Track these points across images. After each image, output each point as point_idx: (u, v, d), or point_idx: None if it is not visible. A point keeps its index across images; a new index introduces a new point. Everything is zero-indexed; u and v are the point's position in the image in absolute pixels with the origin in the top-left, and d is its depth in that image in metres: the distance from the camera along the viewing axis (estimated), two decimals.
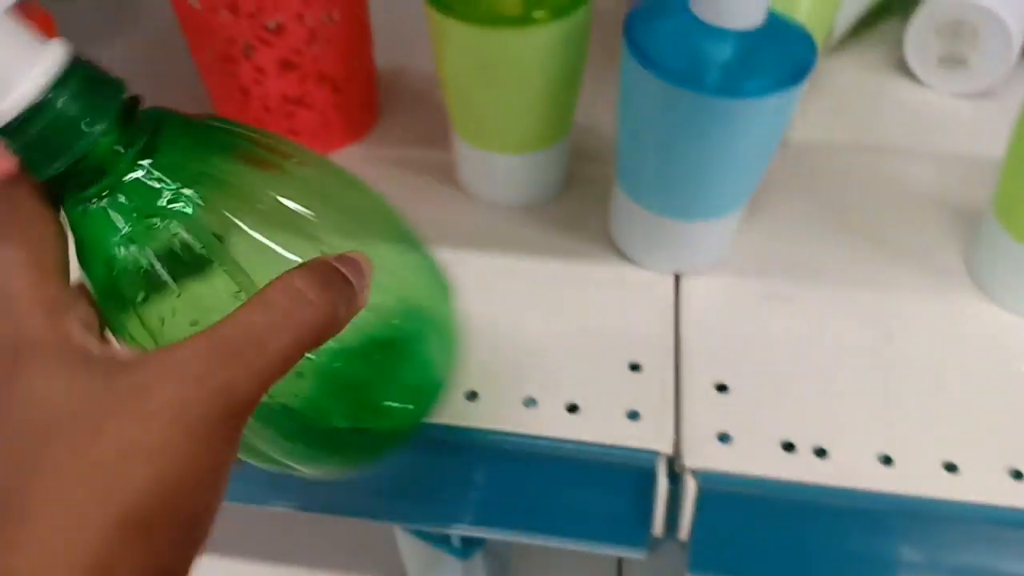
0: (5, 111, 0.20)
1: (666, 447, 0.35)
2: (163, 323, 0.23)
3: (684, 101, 0.35)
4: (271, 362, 0.20)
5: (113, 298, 0.23)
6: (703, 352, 0.39)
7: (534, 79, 0.41)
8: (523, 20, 0.38)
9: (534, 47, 0.40)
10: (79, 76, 0.21)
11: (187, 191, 0.23)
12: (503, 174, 0.46)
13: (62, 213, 0.23)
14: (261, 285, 0.22)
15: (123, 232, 0.22)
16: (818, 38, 0.49)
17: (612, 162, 0.49)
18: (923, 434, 0.36)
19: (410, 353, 0.29)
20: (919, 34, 0.54)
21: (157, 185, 0.23)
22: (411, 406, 0.29)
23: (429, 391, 0.30)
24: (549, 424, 0.36)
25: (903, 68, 0.56)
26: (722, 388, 0.38)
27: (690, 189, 0.39)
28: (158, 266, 0.23)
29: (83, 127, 0.21)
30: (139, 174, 0.22)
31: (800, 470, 0.35)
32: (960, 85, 0.54)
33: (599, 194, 0.47)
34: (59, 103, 0.20)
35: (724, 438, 0.36)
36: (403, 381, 0.29)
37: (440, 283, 0.31)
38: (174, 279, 0.23)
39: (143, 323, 0.23)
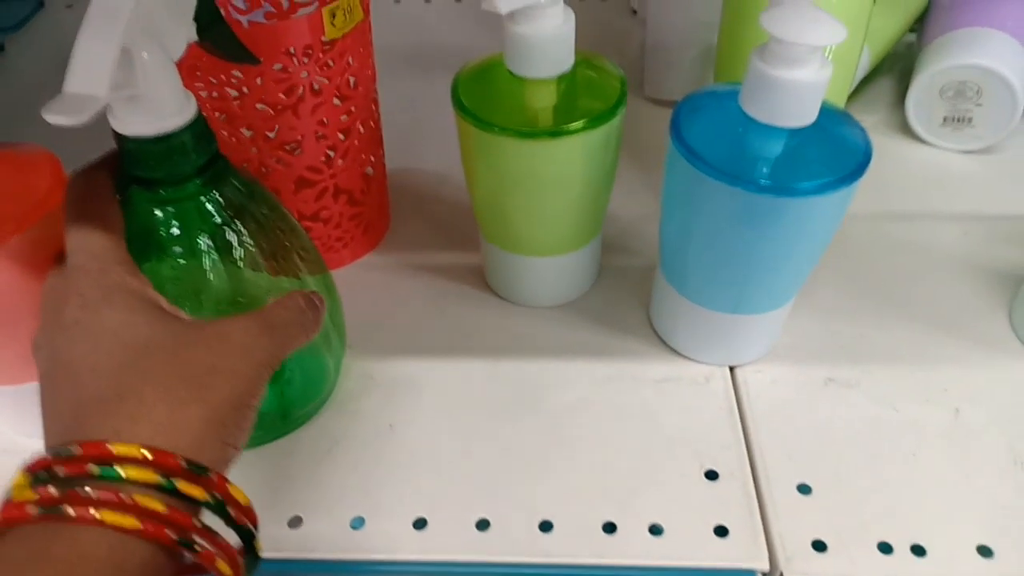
0: (164, 127, 0.29)
1: (762, 564, 0.33)
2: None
3: (735, 199, 0.34)
4: (288, 344, 0.29)
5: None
6: (777, 451, 0.38)
7: (569, 187, 0.40)
8: (557, 132, 0.37)
9: (568, 156, 0.38)
10: (200, 123, 0.30)
11: (231, 223, 0.32)
12: (537, 276, 0.44)
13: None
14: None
15: (176, 234, 0.31)
16: (842, 101, 0.49)
17: (643, 253, 0.48)
18: (1017, 520, 0.35)
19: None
20: (922, 96, 0.55)
21: (211, 209, 0.32)
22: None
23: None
24: (633, 550, 0.34)
25: (905, 128, 0.57)
26: (804, 489, 0.36)
27: (743, 285, 0.38)
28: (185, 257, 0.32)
29: (192, 154, 0.30)
30: (204, 198, 0.31)
31: (902, 572, 0.33)
32: (966, 143, 0.55)
33: (633, 285, 0.46)
34: (186, 135, 0.29)
35: (819, 546, 0.34)
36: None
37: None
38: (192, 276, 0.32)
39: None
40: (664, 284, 0.41)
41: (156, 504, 0.24)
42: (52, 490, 0.23)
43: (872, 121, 0.58)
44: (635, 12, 0.71)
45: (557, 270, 0.44)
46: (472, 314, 0.45)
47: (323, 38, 0.40)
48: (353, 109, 0.44)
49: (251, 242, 0.33)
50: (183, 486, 0.24)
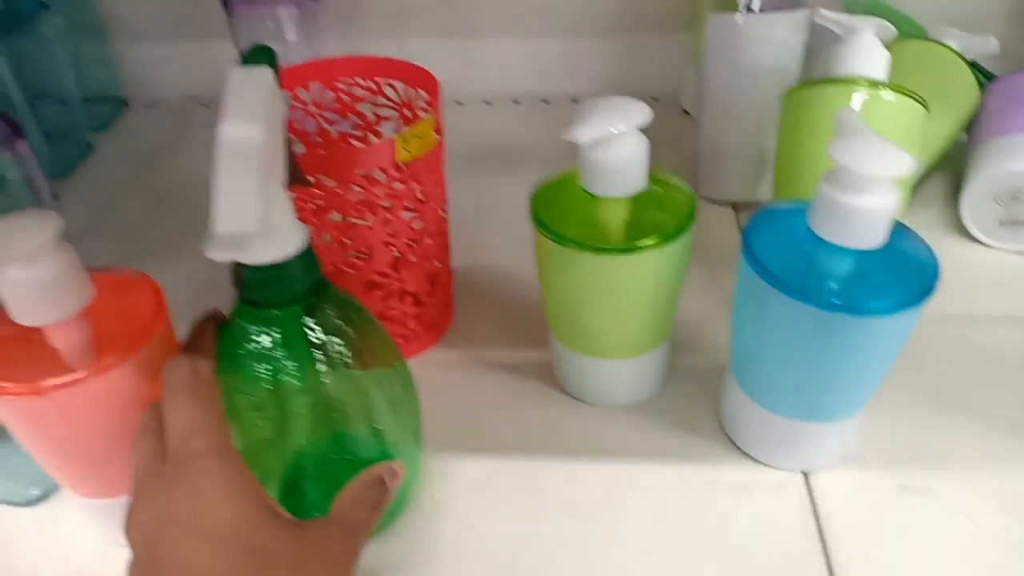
0: (279, 255, 0.31)
1: None
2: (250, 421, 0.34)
3: (806, 316, 0.36)
4: (362, 540, 0.32)
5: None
6: (855, 559, 0.38)
7: (640, 296, 0.42)
8: (630, 248, 0.39)
9: (640, 269, 0.41)
10: (309, 251, 0.32)
11: (329, 340, 0.34)
12: (609, 378, 0.46)
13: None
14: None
15: (278, 350, 0.33)
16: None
17: (710, 353, 0.49)
18: None
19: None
20: (975, 200, 0.56)
21: (312, 327, 0.34)
22: None
23: None
24: None
25: (960, 227, 0.58)
26: None
27: (816, 395, 0.39)
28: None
29: (300, 280, 0.33)
30: (307, 319, 0.34)
31: None
32: (1022, 244, 0.56)
33: (703, 386, 0.47)
34: (297, 263, 0.32)
35: None
36: None
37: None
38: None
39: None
40: (736, 389, 0.42)
41: None
42: None
43: (927, 220, 0.60)
44: (687, 112, 0.74)
45: (629, 372, 0.46)
46: (543, 413, 0.47)
47: (396, 162, 0.42)
48: (422, 221, 0.46)
49: (347, 354, 0.35)
50: None
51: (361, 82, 0.50)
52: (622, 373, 0.45)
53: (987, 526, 0.39)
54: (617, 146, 0.38)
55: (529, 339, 0.51)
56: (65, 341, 0.34)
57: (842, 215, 0.35)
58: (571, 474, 0.43)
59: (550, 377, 0.49)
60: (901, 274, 0.36)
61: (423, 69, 0.47)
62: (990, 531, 0.39)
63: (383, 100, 0.50)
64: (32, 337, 0.34)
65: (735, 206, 0.63)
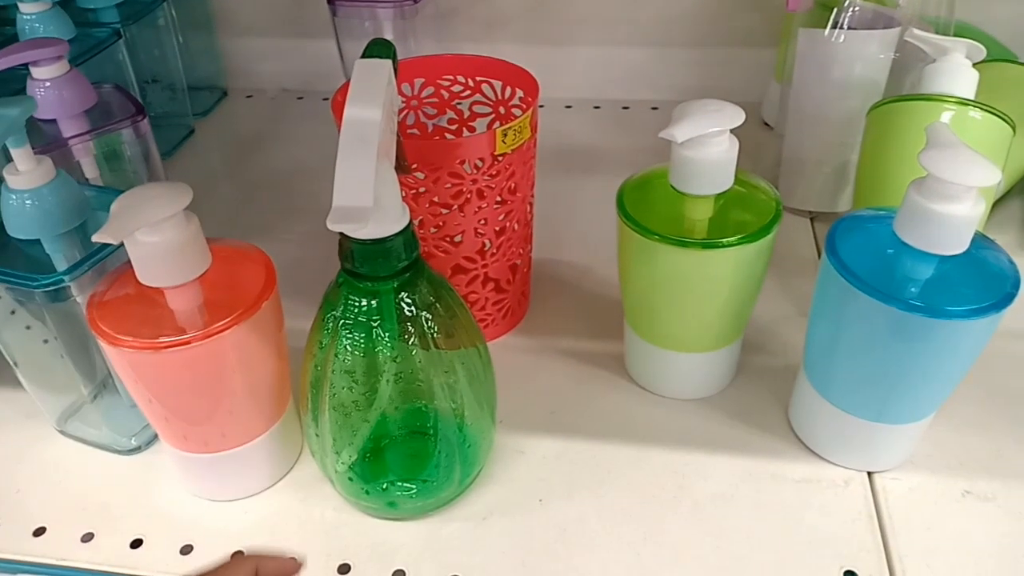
0: (384, 232, 0.34)
1: None
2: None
3: (886, 316, 0.37)
4: None
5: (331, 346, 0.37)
6: (916, 558, 0.39)
7: (718, 293, 0.44)
8: (711, 244, 0.41)
9: (720, 266, 0.42)
10: (410, 231, 0.35)
11: (421, 314, 0.37)
12: (680, 370, 0.48)
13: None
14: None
15: (375, 320, 0.36)
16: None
17: (781, 354, 0.51)
18: None
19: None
20: None
21: (408, 301, 0.36)
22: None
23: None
24: None
25: None
26: None
27: (888, 396, 0.40)
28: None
29: (400, 257, 0.35)
30: (401, 296, 0.36)
31: None
32: None
33: (771, 385, 0.49)
34: (398, 240, 0.34)
35: None
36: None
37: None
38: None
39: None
40: (807, 387, 0.44)
41: None
42: None
43: (1006, 240, 0.60)
44: (767, 125, 0.75)
45: (700, 366, 0.47)
46: (614, 400, 0.49)
47: (494, 153, 0.45)
48: (511, 211, 0.49)
49: (435, 330, 0.37)
50: None
51: (461, 80, 0.53)
52: (694, 366, 0.47)
53: None
54: (710, 146, 0.40)
55: (601, 331, 0.53)
56: (181, 304, 0.37)
57: (929, 221, 0.36)
58: (638, 459, 0.45)
59: (621, 368, 0.51)
60: (982, 282, 0.37)
61: (523, 69, 0.50)
62: None
63: (480, 98, 0.53)
64: (153, 297, 0.37)
65: (812, 217, 0.64)
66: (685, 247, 0.42)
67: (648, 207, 0.44)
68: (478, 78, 0.52)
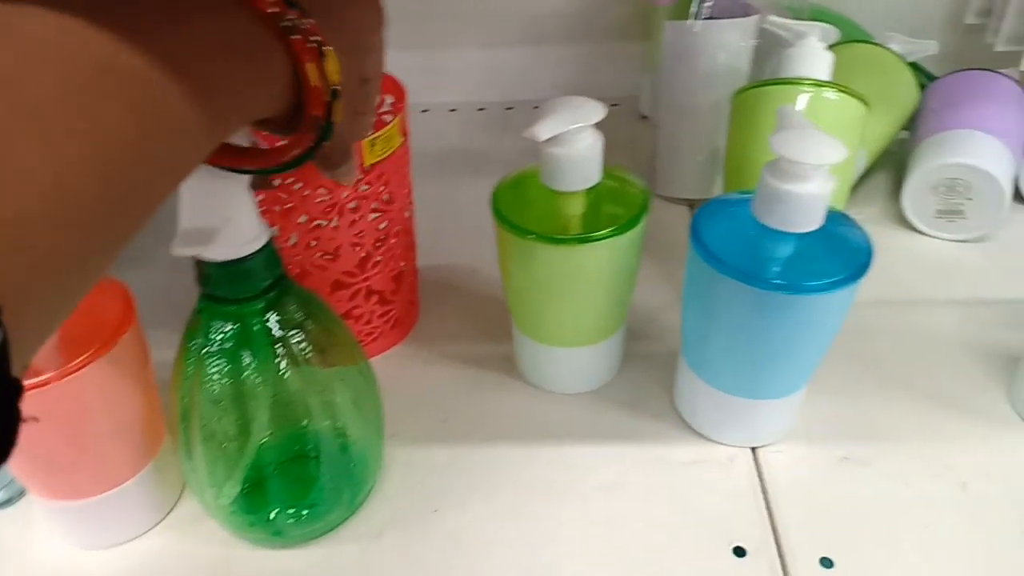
0: (239, 252, 0.32)
1: None
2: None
3: (750, 296, 0.38)
4: None
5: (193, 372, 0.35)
6: (800, 527, 0.40)
7: (596, 286, 0.44)
8: (585, 239, 0.42)
9: (595, 260, 0.43)
10: (269, 249, 0.34)
11: (290, 335, 0.36)
12: (567, 365, 0.48)
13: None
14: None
15: (241, 344, 0.35)
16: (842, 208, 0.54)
17: (663, 340, 0.52)
18: None
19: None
20: (915, 192, 0.59)
21: (273, 323, 0.35)
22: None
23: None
24: None
25: (902, 220, 0.61)
26: (827, 563, 0.39)
27: (761, 372, 0.42)
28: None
29: (261, 277, 0.34)
30: (267, 317, 0.35)
31: None
32: (960, 233, 0.59)
33: (656, 370, 0.50)
34: (257, 260, 0.33)
35: None
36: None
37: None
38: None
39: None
40: (687, 371, 0.45)
41: None
42: None
43: (871, 213, 0.63)
44: (644, 117, 0.77)
45: (586, 359, 0.48)
46: (505, 401, 0.49)
47: (363, 164, 0.44)
48: (388, 221, 0.48)
49: (308, 349, 0.36)
50: None
51: None
52: (580, 360, 0.48)
53: (921, 492, 0.42)
54: (573, 142, 0.41)
55: (491, 333, 0.53)
56: None
57: (782, 201, 0.37)
58: (529, 457, 0.45)
59: (512, 368, 0.51)
60: (838, 256, 0.39)
61: (388, 75, 0.49)
62: (924, 497, 0.42)
63: None
64: None
65: (690, 204, 0.65)
66: (558, 244, 0.42)
67: (525, 206, 0.44)
68: None
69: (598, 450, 0.45)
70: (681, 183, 0.65)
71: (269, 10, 0.26)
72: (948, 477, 0.43)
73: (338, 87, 0.27)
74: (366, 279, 0.49)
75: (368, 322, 0.51)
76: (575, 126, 0.40)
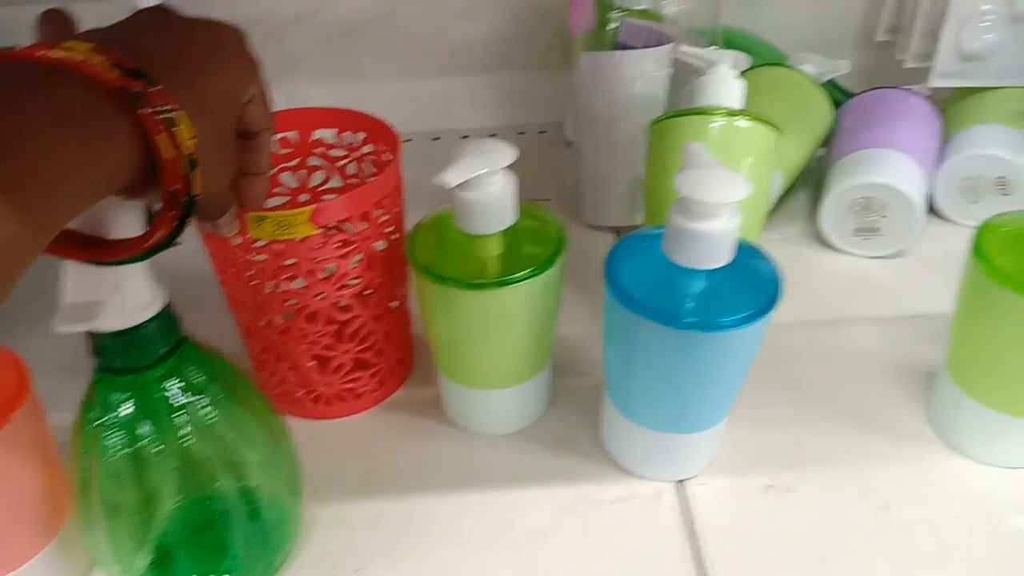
0: (131, 322, 0.31)
1: None
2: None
3: (664, 335, 0.38)
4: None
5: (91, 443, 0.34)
6: (727, 559, 0.41)
7: (516, 327, 0.44)
8: (503, 282, 0.41)
9: (514, 302, 0.42)
10: (165, 315, 0.32)
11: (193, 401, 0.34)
12: (493, 407, 0.48)
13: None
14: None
15: (140, 416, 0.33)
16: (758, 235, 0.55)
17: (592, 373, 0.52)
18: None
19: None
20: (832, 212, 0.60)
21: (174, 390, 0.34)
22: None
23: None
24: None
25: (821, 238, 0.62)
26: None
27: (680, 408, 0.42)
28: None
29: (156, 344, 0.32)
30: (167, 384, 0.34)
31: None
32: (877, 250, 0.61)
33: (584, 406, 0.49)
34: (151, 327, 0.32)
35: None
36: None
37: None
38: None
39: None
40: (611, 407, 0.45)
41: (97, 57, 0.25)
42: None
43: (792, 233, 0.64)
44: (570, 144, 0.77)
45: (512, 400, 0.47)
46: (432, 447, 0.48)
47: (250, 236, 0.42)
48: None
49: (212, 413, 0.35)
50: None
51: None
52: (506, 401, 0.47)
53: (845, 515, 0.43)
54: (485, 186, 0.40)
55: (418, 376, 0.53)
56: None
57: (689, 240, 0.37)
58: (458, 506, 0.44)
59: (439, 412, 0.50)
60: (748, 289, 0.39)
61: (381, 122, 0.49)
62: (849, 521, 0.42)
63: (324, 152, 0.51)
64: None
65: (617, 231, 0.66)
66: (474, 289, 0.41)
67: (442, 249, 0.44)
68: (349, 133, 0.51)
69: (528, 493, 0.45)
70: (606, 212, 0.65)
71: (113, 84, 0.25)
72: (871, 499, 0.43)
73: (194, 155, 0.27)
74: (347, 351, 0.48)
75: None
76: (483, 171, 0.39)
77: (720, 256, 0.38)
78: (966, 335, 0.44)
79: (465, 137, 0.81)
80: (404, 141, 0.80)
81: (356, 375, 0.49)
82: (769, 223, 0.65)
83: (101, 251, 0.28)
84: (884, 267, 0.60)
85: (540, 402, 0.49)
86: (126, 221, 0.30)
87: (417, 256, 0.43)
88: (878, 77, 0.73)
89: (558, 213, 0.67)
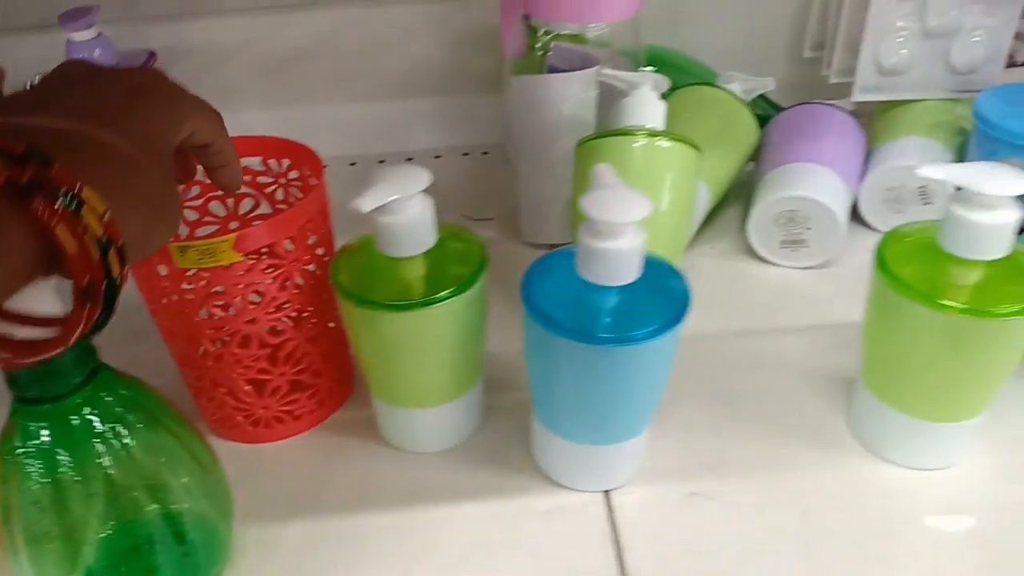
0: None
1: None
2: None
3: (580, 352, 0.40)
4: None
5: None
6: (652, 567, 0.42)
7: (442, 346, 0.45)
8: (425, 302, 0.42)
9: (438, 321, 0.44)
10: (82, 343, 0.31)
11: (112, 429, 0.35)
12: (425, 426, 0.49)
13: None
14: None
15: (59, 445, 0.34)
16: (681, 251, 0.56)
17: (526, 389, 0.52)
18: None
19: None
20: (759, 225, 0.62)
21: (92, 419, 0.35)
22: None
23: None
24: None
25: (751, 251, 0.64)
26: None
27: (603, 421, 0.43)
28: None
29: (70, 373, 0.33)
30: (84, 413, 0.34)
31: None
32: (803, 261, 0.63)
33: (517, 422, 0.50)
34: (68, 353, 0.32)
35: None
36: None
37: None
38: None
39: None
40: (537, 422, 0.46)
41: None
42: None
43: (723, 247, 0.66)
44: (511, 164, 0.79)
45: (442, 418, 0.48)
46: (366, 468, 0.49)
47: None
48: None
49: (131, 439, 0.36)
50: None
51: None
52: (437, 420, 0.48)
53: (766, 521, 0.44)
54: (402, 210, 0.42)
55: (360, 396, 0.54)
56: None
57: (597, 258, 0.39)
58: (393, 524, 0.45)
59: (373, 432, 0.51)
60: (659, 302, 0.40)
61: (304, 146, 0.50)
62: (768, 526, 0.44)
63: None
64: None
65: (553, 249, 0.67)
66: (396, 310, 0.43)
67: (369, 271, 0.45)
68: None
69: (460, 510, 0.46)
70: (544, 230, 0.66)
71: None
72: (792, 504, 0.45)
73: (102, 237, 0.24)
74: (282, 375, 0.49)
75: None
76: (396, 197, 0.41)
77: (628, 272, 0.39)
78: (874, 343, 0.46)
79: (410, 159, 0.82)
80: (349, 165, 0.83)
81: (294, 397, 0.50)
82: (701, 237, 0.67)
83: (18, 351, 0.26)
84: (811, 277, 0.62)
85: (473, 418, 0.50)
86: (46, 298, 0.27)
87: (341, 279, 0.44)
88: (807, 92, 0.75)
89: (500, 232, 0.70)
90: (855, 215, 0.66)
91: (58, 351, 0.26)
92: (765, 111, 0.74)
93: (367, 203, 0.40)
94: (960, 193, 0.40)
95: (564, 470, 0.46)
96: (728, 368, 0.54)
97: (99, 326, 0.26)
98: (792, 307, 0.60)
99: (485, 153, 0.82)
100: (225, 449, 0.50)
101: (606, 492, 0.46)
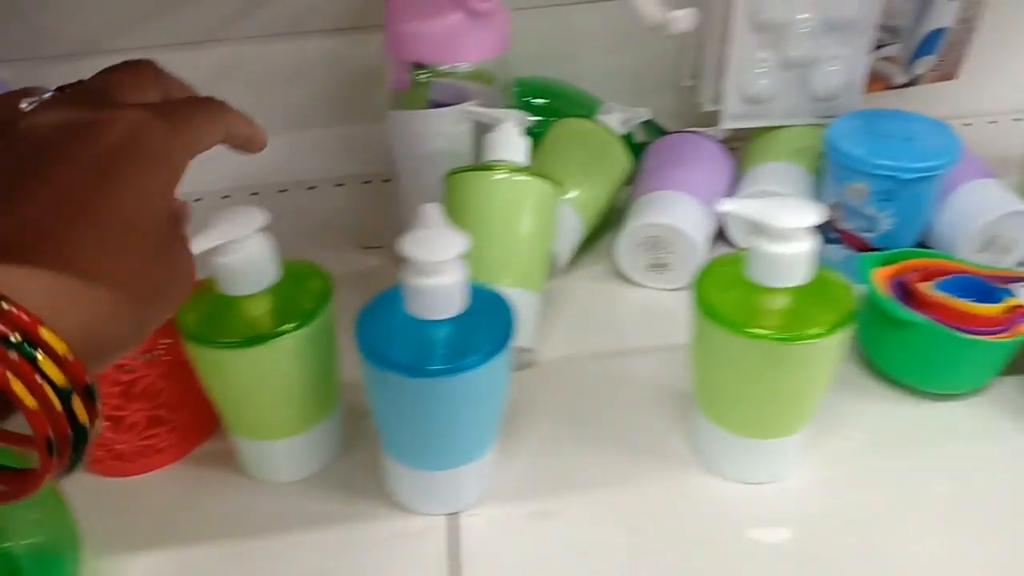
0: None
1: None
2: None
3: (415, 387, 0.42)
4: None
5: None
6: None
7: (290, 380, 0.47)
8: (264, 338, 0.44)
9: (283, 355, 0.45)
10: None
11: None
12: (278, 457, 0.50)
13: None
14: None
15: None
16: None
17: None
18: None
19: None
20: (626, 249, 0.65)
21: None
22: None
23: None
24: None
25: (622, 275, 0.67)
26: None
27: (440, 447, 0.45)
28: None
29: None
30: None
31: None
32: (670, 283, 0.65)
33: (376, 448, 0.52)
34: None
35: None
36: None
37: None
38: None
39: None
40: (385, 454, 0.48)
41: None
42: None
43: (598, 270, 0.68)
44: None
45: (296, 448, 0.50)
46: (225, 498, 0.50)
47: None
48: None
49: None
50: None
51: None
52: (290, 450, 0.50)
53: (598, 539, 0.46)
54: (238, 250, 0.43)
55: (219, 429, 0.55)
56: None
57: (420, 294, 0.41)
58: (239, 553, 0.46)
59: (232, 463, 0.52)
60: (487, 331, 0.43)
61: None
62: (608, 542, 0.46)
63: None
64: None
65: None
66: (236, 348, 0.44)
67: (216, 310, 0.46)
68: None
69: (308, 538, 0.47)
70: None
71: None
72: (626, 521, 0.47)
73: (64, 387, 0.21)
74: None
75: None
76: (229, 239, 0.42)
77: (451, 306, 0.42)
78: (698, 367, 0.49)
79: (313, 188, 0.84)
80: (251, 194, 0.84)
81: (153, 431, 0.51)
82: (579, 261, 0.69)
83: None
84: (677, 298, 0.65)
85: (330, 446, 0.52)
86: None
87: (187, 319, 0.45)
88: (689, 120, 0.78)
89: (390, 259, 0.72)
90: (723, 237, 0.69)
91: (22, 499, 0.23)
92: (650, 137, 0.77)
93: (199, 245, 0.42)
94: (758, 226, 0.43)
95: (411, 495, 0.48)
96: (584, 388, 0.56)
97: (71, 469, 0.23)
98: (655, 328, 0.62)
99: (387, 180, 0.84)
100: (90, 483, 0.51)
101: (453, 515, 0.48)
